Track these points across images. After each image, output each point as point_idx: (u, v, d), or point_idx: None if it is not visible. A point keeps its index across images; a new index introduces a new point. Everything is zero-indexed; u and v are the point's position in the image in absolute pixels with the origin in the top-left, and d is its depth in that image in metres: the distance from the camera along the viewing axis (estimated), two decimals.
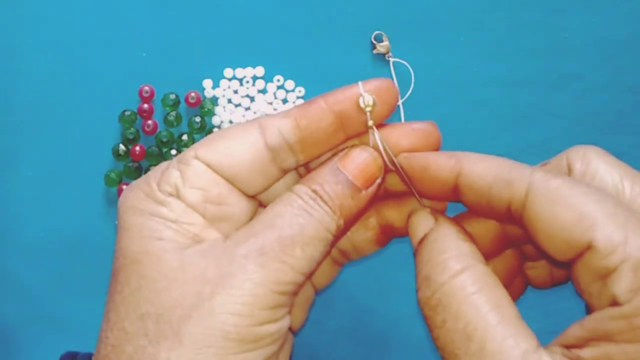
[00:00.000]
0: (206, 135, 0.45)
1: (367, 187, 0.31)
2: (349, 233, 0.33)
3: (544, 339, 0.46)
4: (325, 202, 0.30)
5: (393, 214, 0.34)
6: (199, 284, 0.28)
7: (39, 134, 0.45)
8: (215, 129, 0.45)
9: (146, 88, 0.45)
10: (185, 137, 0.45)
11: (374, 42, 0.45)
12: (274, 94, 0.45)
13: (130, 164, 0.45)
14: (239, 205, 0.31)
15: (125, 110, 0.45)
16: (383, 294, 0.45)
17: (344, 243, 0.34)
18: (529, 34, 0.46)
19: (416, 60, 0.45)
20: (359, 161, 0.31)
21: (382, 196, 0.33)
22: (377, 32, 0.45)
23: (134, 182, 0.31)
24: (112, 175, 0.45)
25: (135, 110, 0.45)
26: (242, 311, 0.27)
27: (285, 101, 0.45)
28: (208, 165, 0.30)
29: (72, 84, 0.45)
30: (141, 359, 0.28)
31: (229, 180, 0.30)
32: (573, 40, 0.46)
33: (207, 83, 0.45)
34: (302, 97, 0.45)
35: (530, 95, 0.46)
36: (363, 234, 0.34)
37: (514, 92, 0.46)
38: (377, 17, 0.46)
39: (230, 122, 0.45)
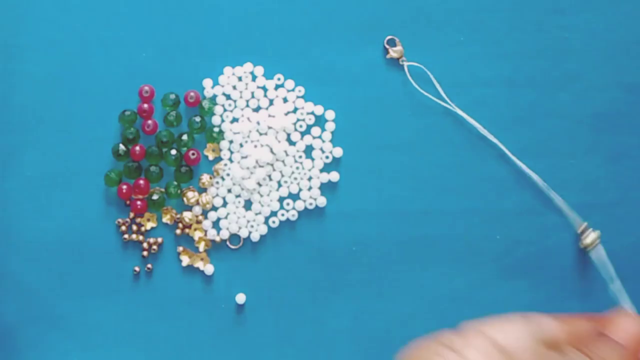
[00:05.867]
0: (206, 135, 0.45)
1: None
2: None
3: None
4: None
5: None
6: None
7: (39, 134, 0.45)
8: (215, 129, 0.45)
9: (146, 88, 0.45)
10: (185, 137, 0.45)
11: (387, 46, 0.45)
12: (274, 93, 0.45)
13: (130, 164, 0.45)
14: None
15: (125, 110, 0.45)
16: (383, 294, 0.45)
17: None
18: (529, 34, 0.46)
19: (416, 60, 0.45)
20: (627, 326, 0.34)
21: None
22: (389, 37, 0.45)
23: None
24: (112, 175, 0.45)
25: (135, 110, 0.45)
26: None
27: (285, 100, 0.45)
28: (488, 337, 0.33)
29: (72, 84, 0.45)
30: None
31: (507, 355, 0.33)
32: (573, 40, 0.46)
33: (207, 82, 0.45)
34: (302, 97, 0.45)
35: (530, 95, 0.46)
36: None
37: (514, 92, 0.46)
38: (377, 17, 0.46)
39: (231, 122, 0.45)
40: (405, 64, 0.44)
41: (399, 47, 0.44)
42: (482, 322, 0.34)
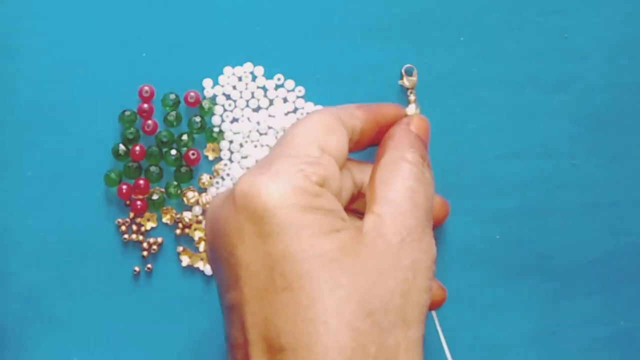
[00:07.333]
0: (206, 135, 0.45)
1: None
2: None
3: (545, 339, 0.47)
4: (429, 166, 0.35)
5: None
6: (406, 270, 0.30)
7: (39, 134, 0.45)
8: (215, 129, 0.45)
9: (146, 88, 0.45)
10: (185, 137, 0.45)
11: (403, 72, 0.44)
12: (274, 93, 0.45)
13: (130, 164, 0.45)
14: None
15: (125, 110, 0.45)
16: None
17: None
18: (529, 34, 0.46)
19: (416, 60, 0.45)
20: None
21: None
22: (408, 65, 0.45)
23: (251, 186, 0.30)
24: (112, 175, 0.45)
25: (135, 110, 0.45)
26: None
27: (285, 100, 0.45)
28: (332, 156, 0.32)
29: (72, 84, 0.45)
30: None
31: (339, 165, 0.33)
32: (573, 40, 0.46)
33: (207, 82, 0.45)
34: (302, 97, 0.45)
35: (530, 95, 0.46)
36: None
37: (514, 92, 0.46)
38: (377, 17, 0.46)
39: (231, 122, 0.45)
40: (412, 97, 0.44)
41: (413, 78, 0.44)
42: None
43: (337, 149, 0.33)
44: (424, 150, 0.36)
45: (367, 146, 0.38)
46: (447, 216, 0.43)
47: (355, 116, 0.36)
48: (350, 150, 0.35)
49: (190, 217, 0.45)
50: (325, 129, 0.33)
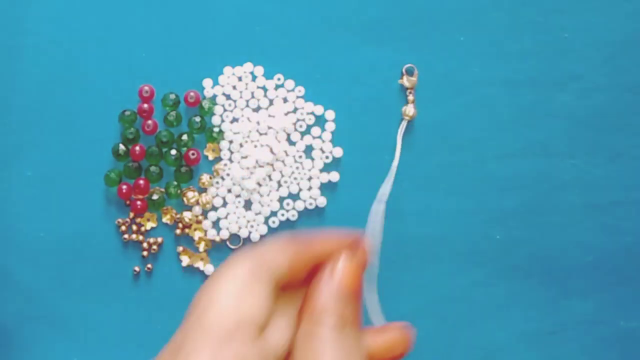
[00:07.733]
0: (206, 135, 0.45)
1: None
2: None
3: (544, 339, 0.47)
4: (353, 324, 0.31)
5: None
6: None
7: (39, 134, 0.45)
8: (215, 129, 0.45)
9: (146, 88, 0.45)
10: (185, 137, 0.45)
11: (404, 72, 0.45)
12: (274, 93, 0.45)
13: (130, 164, 0.45)
14: None
15: (125, 110, 0.45)
16: (383, 293, 0.45)
17: None
18: (529, 34, 0.46)
19: (416, 60, 0.45)
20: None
21: None
22: (408, 65, 0.45)
23: None
24: (112, 175, 0.45)
25: (135, 110, 0.45)
26: None
27: (285, 100, 0.45)
28: (248, 323, 0.29)
29: (72, 84, 0.45)
30: None
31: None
32: (573, 40, 0.46)
33: (207, 82, 0.45)
34: (302, 97, 0.45)
35: (531, 95, 0.46)
36: None
37: (514, 92, 0.46)
38: (377, 17, 0.46)
39: (231, 122, 0.45)
40: (411, 97, 0.44)
41: (414, 78, 0.44)
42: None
43: (251, 314, 0.29)
44: (346, 307, 0.31)
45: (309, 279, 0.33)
46: (408, 350, 0.35)
47: (282, 255, 0.31)
48: (285, 290, 0.32)
49: (190, 217, 0.45)
50: (239, 292, 0.29)
